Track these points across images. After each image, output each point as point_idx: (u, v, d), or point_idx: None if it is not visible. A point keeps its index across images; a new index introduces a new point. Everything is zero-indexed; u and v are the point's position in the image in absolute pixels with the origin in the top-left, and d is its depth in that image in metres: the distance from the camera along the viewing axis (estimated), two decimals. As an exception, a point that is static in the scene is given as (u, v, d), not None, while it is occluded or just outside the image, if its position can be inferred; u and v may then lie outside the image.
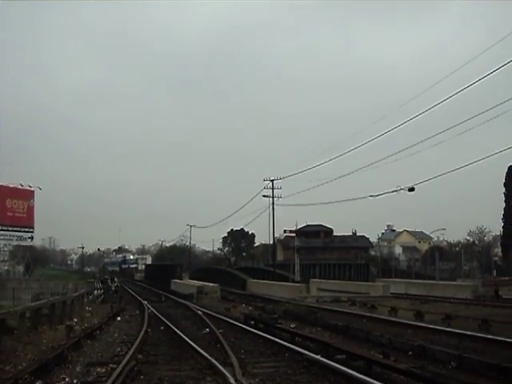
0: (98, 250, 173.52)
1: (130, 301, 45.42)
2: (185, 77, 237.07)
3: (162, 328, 23.53)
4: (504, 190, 74.26)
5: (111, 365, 13.92)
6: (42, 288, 40.69)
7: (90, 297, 43.64)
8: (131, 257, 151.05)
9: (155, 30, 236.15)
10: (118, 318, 29.26)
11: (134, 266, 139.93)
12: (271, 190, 67.81)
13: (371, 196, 51.91)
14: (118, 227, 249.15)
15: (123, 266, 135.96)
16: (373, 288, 45.65)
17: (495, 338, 16.56)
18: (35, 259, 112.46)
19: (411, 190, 44.39)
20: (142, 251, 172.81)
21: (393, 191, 46.92)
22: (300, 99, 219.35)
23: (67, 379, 12.51)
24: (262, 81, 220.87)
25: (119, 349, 17.56)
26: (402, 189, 45.44)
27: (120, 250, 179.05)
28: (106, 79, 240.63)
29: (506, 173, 73.92)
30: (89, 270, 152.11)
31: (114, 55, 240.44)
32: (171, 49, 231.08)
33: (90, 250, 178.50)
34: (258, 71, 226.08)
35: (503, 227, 75.53)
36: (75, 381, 12.34)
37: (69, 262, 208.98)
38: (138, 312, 33.28)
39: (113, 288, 58.19)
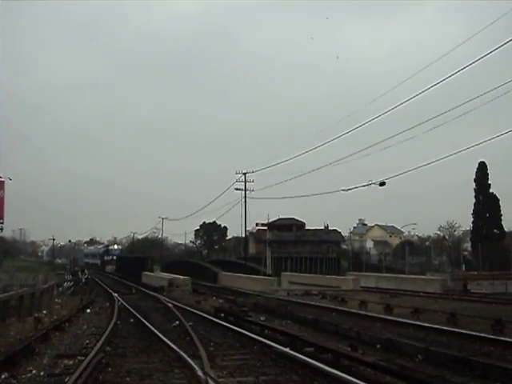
0: (69, 241, 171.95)
1: (100, 293, 45.20)
2: (157, 66, 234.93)
3: (131, 320, 23.46)
4: (474, 185, 75.00)
5: (79, 357, 13.87)
6: (11, 280, 40.26)
7: (60, 289, 43.32)
8: (115, 247, 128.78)
9: (129, 18, 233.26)
10: (88, 310, 29.12)
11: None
12: (243, 183, 67.75)
13: (343, 190, 52.10)
14: (88, 219, 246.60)
15: (106, 258, 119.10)
16: (343, 282, 45.88)
17: (462, 331, 16.81)
18: (5, 251, 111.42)
19: (382, 184, 44.60)
20: (114, 243, 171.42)
21: (364, 185, 47.12)
22: (273, 90, 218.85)
23: (34, 371, 12.42)
24: (235, 72, 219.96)
25: (88, 341, 17.48)
26: (373, 183, 45.66)
27: (91, 241, 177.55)
28: (76, 69, 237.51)
29: (477, 168, 74.62)
30: (60, 261, 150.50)
31: (85, 45, 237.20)
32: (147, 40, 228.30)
33: (61, 241, 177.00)
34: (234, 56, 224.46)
35: (473, 222, 76.37)
36: (42, 373, 12.26)
37: (39, 254, 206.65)
38: (108, 304, 33.16)
39: (83, 280, 57.75)
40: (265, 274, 62.67)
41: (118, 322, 22.38)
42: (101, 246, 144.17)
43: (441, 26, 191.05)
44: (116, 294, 39.12)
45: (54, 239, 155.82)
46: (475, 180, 74.94)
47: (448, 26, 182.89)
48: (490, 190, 74.58)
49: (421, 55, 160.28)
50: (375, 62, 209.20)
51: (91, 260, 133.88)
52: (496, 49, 28.98)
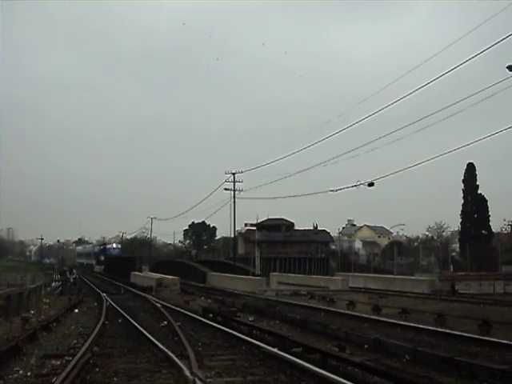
0: (58, 241, 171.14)
1: (88, 293, 45.11)
2: (148, 63, 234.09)
3: (119, 320, 23.42)
4: (463, 186, 75.31)
5: (66, 357, 13.82)
6: (-2, 279, 40.11)
7: (48, 289, 43.14)
8: (114, 245, 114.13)
9: (120, 16, 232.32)
10: (76, 310, 29.03)
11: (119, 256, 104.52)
12: (233, 184, 67.76)
13: (331, 191, 52.15)
14: (77, 219, 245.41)
15: (102, 258, 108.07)
16: (332, 282, 46.01)
17: (449, 331, 16.89)
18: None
19: (371, 185, 44.68)
20: (103, 243, 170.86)
21: (353, 186, 47.18)
22: (262, 91, 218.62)
23: (21, 372, 12.36)
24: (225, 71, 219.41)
25: (75, 341, 17.44)
26: (361, 184, 45.75)
27: (80, 241, 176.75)
28: (69, 68, 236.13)
29: (465, 169, 74.94)
30: (48, 261, 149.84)
31: (78, 44, 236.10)
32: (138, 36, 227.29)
33: (49, 241, 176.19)
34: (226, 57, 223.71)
35: (461, 223, 76.68)
36: (29, 373, 12.20)
37: (28, 254, 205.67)
38: (96, 304, 33.08)
39: (71, 280, 57.56)
40: (254, 275, 62.71)
41: (106, 322, 22.32)
42: (91, 245, 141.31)
43: (434, 28, 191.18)
44: (104, 294, 39.05)
45: (42, 239, 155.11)
46: (463, 181, 75.25)
47: (441, 27, 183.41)
48: (479, 191, 74.93)
49: (412, 57, 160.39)
50: (366, 64, 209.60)
51: (85, 260, 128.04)
52: (477, 55, 29.40)
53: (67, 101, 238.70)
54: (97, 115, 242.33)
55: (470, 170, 74.80)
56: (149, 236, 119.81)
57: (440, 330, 17.55)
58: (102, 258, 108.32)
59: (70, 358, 13.15)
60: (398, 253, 69.02)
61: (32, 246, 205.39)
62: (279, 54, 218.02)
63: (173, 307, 28.50)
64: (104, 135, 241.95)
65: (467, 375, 11.25)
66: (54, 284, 48.32)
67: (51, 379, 10.97)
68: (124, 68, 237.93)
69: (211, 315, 23.50)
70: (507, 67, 34.61)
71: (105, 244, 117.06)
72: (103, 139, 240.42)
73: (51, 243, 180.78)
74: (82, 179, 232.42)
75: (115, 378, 11.50)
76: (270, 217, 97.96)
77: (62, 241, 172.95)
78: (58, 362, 13.40)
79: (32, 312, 26.83)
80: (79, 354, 13.31)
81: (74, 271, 69.17)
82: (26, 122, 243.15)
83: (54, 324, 22.03)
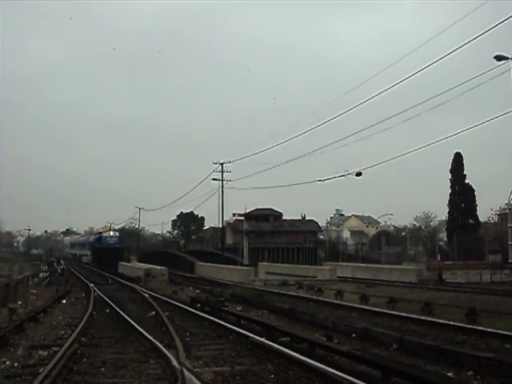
0: (46, 232, 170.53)
1: (76, 283, 44.94)
2: (136, 55, 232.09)
3: (107, 311, 23.38)
4: (450, 176, 75.68)
5: (54, 348, 13.79)
6: (-15, 270, 39.90)
7: (36, 279, 42.97)
8: (111, 233, 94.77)
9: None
10: (64, 301, 28.92)
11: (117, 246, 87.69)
12: (221, 174, 67.70)
13: (319, 180, 52.19)
14: (64, 209, 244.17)
15: (97, 246, 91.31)
16: (320, 271, 46.17)
17: (436, 320, 16.96)
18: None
19: (358, 174, 44.77)
20: (91, 233, 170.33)
21: (340, 176, 47.28)
22: (250, 82, 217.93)
23: (8, 362, 12.32)
24: (209, 65, 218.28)
25: (63, 332, 17.38)
26: (349, 173, 45.82)
27: (68, 231, 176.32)
28: (49, 60, 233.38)
29: (453, 159, 75.32)
30: (36, 252, 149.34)
31: (62, 32, 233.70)
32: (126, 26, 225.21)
33: (37, 232, 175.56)
34: (208, 53, 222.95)
35: (449, 213, 77.10)
36: (16, 364, 12.17)
37: (15, 245, 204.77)
38: (83, 295, 32.98)
39: (59, 270, 57.32)
40: (242, 265, 62.90)
41: (94, 313, 22.27)
42: (85, 235, 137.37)
43: (422, 18, 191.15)
44: (92, 285, 38.94)
45: (29, 229, 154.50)
46: (451, 171, 75.66)
47: (429, 17, 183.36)
48: (466, 181, 75.33)
49: (402, 46, 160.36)
50: (357, 51, 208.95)
51: (79, 251, 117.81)
52: (462, 46, 29.48)
53: (48, 95, 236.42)
54: (81, 108, 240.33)
55: (458, 159, 75.19)
56: (137, 226, 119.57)
57: (427, 318, 17.62)
58: (98, 247, 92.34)
59: (58, 349, 13.13)
60: (385, 242, 69.33)
61: (19, 237, 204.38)
62: (268, 41, 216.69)
63: (161, 297, 28.48)
64: (91, 124, 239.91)
65: (453, 363, 11.32)
66: (41, 275, 48.13)
67: (38, 370, 10.92)
68: (106, 64, 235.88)
69: (199, 305, 23.50)
70: (494, 57, 34.77)
71: (100, 232, 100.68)
72: (90, 128, 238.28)
73: (39, 234, 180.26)
74: (68, 170, 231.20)
75: (102, 369, 11.48)
76: (258, 207, 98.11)
77: (49, 231, 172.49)
78: (46, 353, 13.35)
79: (19, 303, 26.70)
80: (66, 345, 13.28)
81: (62, 262, 68.85)
82: (8, 116, 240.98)
83: (42, 315, 21.97)
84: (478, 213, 76.05)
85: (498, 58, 34.52)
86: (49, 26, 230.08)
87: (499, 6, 32.85)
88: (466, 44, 29.92)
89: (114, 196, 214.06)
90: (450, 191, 75.99)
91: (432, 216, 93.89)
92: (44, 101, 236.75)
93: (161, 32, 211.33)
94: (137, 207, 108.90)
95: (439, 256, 62.31)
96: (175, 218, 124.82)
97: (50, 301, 27.89)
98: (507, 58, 34.23)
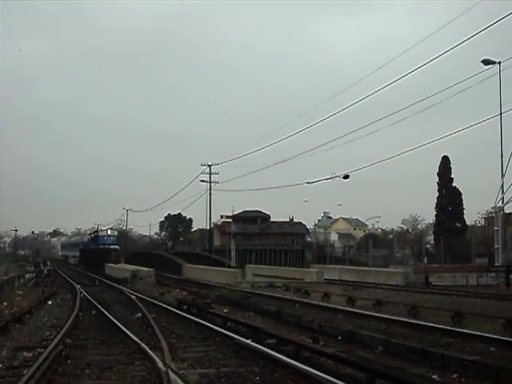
0: (32, 232, 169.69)
1: (62, 285, 44.77)
2: (124, 54, 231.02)
3: (93, 312, 23.31)
4: (437, 179, 75.96)
5: (39, 349, 13.74)
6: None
7: (22, 280, 42.78)
8: (108, 232, 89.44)
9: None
10: (49, 302, 28.81)
11: (115, 246, 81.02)
12: (209, 175, 67.73)
13: (307, 183, 52.37)
14: (52, 210, 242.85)
15: (93, 248, 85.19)
16: (307, 274, 46.14)
17: (422, 323, 17.02)
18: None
19: (346, 177, 44.93)
20: (78, 235, 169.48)
21: (328, 178, 47.44)
22: (238, 85, 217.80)
23: (-8, 364, 12.25)
24: (200, 66, 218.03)
25: (48, 333, 17.32)
26: (337, 176, 45.95)
27: (55, 233, 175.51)
28: (39, 58, 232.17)
29: (440, 163, 75.62)
30: (22, 253, 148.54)
31: (50, 33, 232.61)
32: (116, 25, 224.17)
33: (23, 232, 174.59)
34: (199, 54, 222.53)
35: (436, 216, 77.37)
36: (0, 365, 12.09)
37: (1, 245, 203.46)
38: (70, 296, 32.86)
39: (45, 272, 57.13)
40: (229, 266, 62.84)
41: (80, 314, 22.22)
42: (73, 232, 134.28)
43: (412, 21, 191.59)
44: (79, 286, 38.76)
45: (16, 230, 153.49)
46: (438, 174, 75.93)
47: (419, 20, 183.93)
48: (453, 184, 75.65)
49: (393, 50, 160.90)
50: (346, 55, 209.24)
51: (71, 252, 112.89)
52: (450, 49, 29.68)
53: (37, 93, 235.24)
54: (71, 104, 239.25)
55: (445, 163, 75.48)
56: (124, 228, 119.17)
57: (413, 321, 17.68)
58: (93, 247, 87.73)
59: (42, 350, 13.08)
60: (373, 245, 69.49)
61: (6, 238, 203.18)
62: (260, 45, 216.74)
63: (148, 299, 28.41)
64: (79, 124, 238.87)
65: (439, 366, 11.35)
66: (27, 276, 47.94)
67: (22, 371, 10.87)
68: (97, 63, 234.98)
69: (186, 307, 23.45)
70: (482, 61, 34.99)
71: (96, 232, 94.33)
72: (77, 129, 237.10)
73: (25, 235, 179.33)
74: (55, 170, 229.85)
75: (87, 370, 11.44)
76: (246, 209, 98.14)
77: (36, 232, 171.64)
78: (30, 354, 13.29)
79: (5, 304, 26.57)
80: (51, 346, 13.24)
81: (48, 263, 68.60)
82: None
83: (27, 316, 21.88)
84: (464, 216, 76.44)
85: (486, 62, 34.79)
86: (41, 25, 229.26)
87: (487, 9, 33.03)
88: (458, 45, 30.09)
89: (102, 197, 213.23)
90: (437, 194, 76.30)
91: (419, 219, 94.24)
92: (30, 98, 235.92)
93: (153, 32, 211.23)
94: (124, 208, 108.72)
95: (426, 259, 62.46)
96: (163, 219, 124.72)
97: (36, 302, 27.77)
98: (494, 63, 34.50)
